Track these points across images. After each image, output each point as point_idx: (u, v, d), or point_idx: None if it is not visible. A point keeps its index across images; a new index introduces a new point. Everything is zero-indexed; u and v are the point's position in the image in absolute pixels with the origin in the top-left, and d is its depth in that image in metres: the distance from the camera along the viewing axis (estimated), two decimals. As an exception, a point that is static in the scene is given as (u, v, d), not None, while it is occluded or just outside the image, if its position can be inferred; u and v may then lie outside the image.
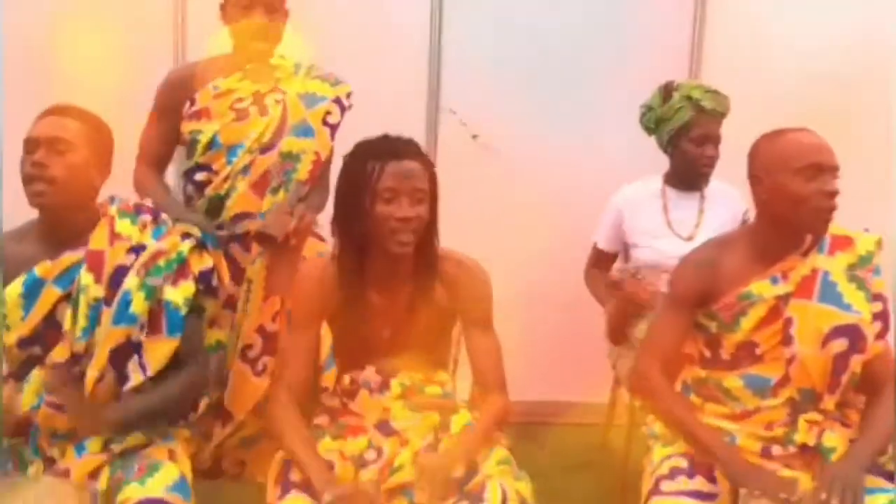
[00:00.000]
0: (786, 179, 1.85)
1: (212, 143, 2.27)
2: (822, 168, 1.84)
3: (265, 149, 2.28)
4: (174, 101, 2.33)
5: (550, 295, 3.34)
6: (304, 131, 2.30)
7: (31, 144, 1.80)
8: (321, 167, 2.34)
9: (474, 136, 3.32)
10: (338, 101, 2.37)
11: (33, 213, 1.88)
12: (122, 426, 1.79)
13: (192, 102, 2.30)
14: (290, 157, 2.29)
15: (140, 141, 2.39)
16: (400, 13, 3.30)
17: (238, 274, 2.31)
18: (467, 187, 3.32)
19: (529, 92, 3.30)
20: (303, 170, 2.30)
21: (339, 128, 2.36)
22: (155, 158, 2.38)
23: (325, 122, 2.33)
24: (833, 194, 1.84)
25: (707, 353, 2.01)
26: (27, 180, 1.79)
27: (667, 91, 2.74)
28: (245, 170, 2.28)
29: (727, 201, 2.73)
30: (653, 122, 2.75)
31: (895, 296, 1.96)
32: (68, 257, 1.84)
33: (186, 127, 2.31)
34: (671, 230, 2.75)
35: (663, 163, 2.81)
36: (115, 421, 1.78)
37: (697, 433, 1.88)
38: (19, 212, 1.89)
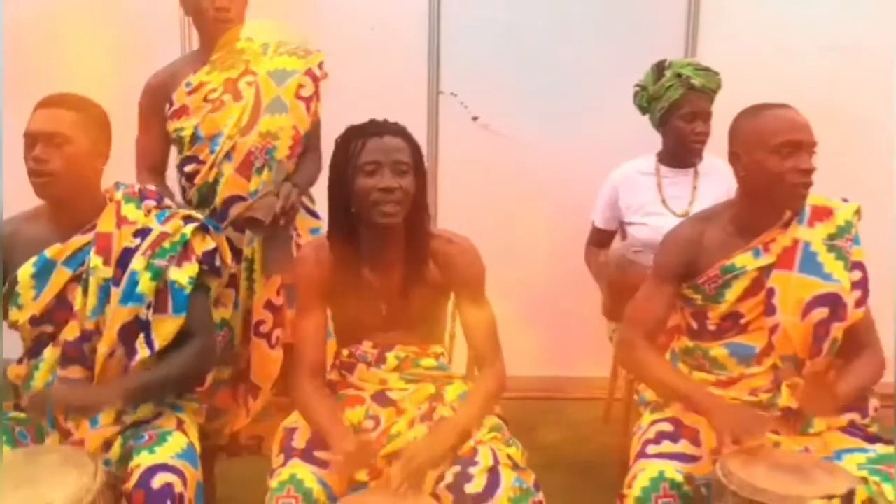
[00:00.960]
0: (762, 157, 1.90)
1: (195, 137, 2.36)
2: (799, 145, 1.88)
3: (244, 131, 2.34)
4: (155, 105, 2.42)
5: (551, 273, 3.39)
6: (279, 108, 2.35)
7: (29, 139, 1.86)
8: (301, 142, 2.39)
9: (475, 118, 3.37)
10: (309, 72, 2.40)
11: (32, 201, 1.96)
12: (134, 396, 1.87)
13: (171, 103, 2.39)
14: (270, 136, 2.34)
15: (136, 149, 2.47)
16: (399, -1, 3.35)
17: (235, 255, 2.37)
18: (468, 168, 3.39)
19: (528, 74, 3.34)
20: (283, 146, 2.35)
21: (315, 99, 2.40)
22: (151, 162, 2.46)
23: (298, 96, 2.37)
24: (809, 171, 1.89)
25: (694, 325, 2.08)
26: (30, 174, 1.87)
27: (659, 70, 2.77)
28: (228, 155, 2.34)
29: (721, 176, 2.74)
30: (645, 100, 2.79)
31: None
32: (78, 240, 1.93)
33: (170, 126, 2.39)
34: (666, 207, 2.79)
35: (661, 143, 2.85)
36: (128, 390, 1.86)
37: (678, 386, 1.96)
38: (19, 200, 1.97)
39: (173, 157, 2.51)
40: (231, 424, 2.47)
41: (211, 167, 2.36)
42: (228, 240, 2.34)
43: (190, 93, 2.37)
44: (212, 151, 2.35)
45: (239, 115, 2.35)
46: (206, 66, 2.39)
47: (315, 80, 2.41)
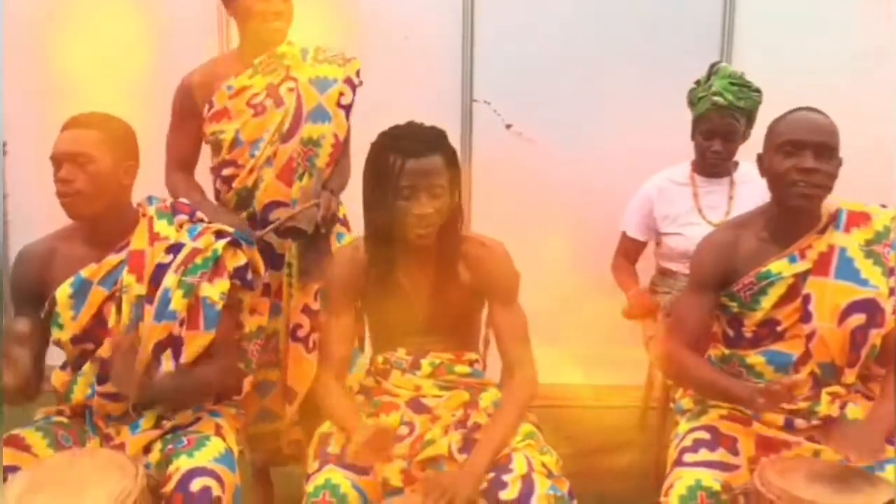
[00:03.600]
0: (770, 156, 1.93)
1: (235, 141, 2.36)
2: (801, 145, 1.88)
3: (286, 138, 2.35)
4: (192, 105, 2.41)
5: (586, 279, 3.37)
6: (321, 116, 2.37)
7: (54, 161, 1.91)
8: (340, 149, 2.41)
9: (508, 126, 3.39)
10: (348, 80, 2.42)
11: (39, 222, 2.03)
12: (158, 395, 1.91)
13: (211, 105, 2.38)
14: (311, 143, 2.35)
15: (166, 146, 2.48)
16: (433, 5, 3.36)
17: (277, 260, 2.40)
18: (502, 175, 3.40)
19: (562, 80, 3.35)
20: (324, 154, 2.37)
21: (353, 106, 2.42)
22: (183, 161, 2.47)
23: (339, 104, 2.39)
24: (808, 170, 1.87)
25: (730, 332, 2.06)
26: (58, 196, 1.91)
27: (708, 74, 2.74)
28: (269, 161, 2.35)
29: (757, 185, 2.67)
30: (689, 101, 2.78)
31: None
32: (112, 259, 1.96)
33: (209, 128, 2.39)
34: (701, 217, 2.77)
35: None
36: (154, 389, 1.90)
37: (718, 381, 1.94)
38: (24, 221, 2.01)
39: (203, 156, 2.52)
40: (286, 430, 2.50)
41: (250, 172, 2.36)
42: (270, 245, 2.37)
43: (231, 96, 2.37)
44: (252, 156, 2.36)
45: (280, 120, 2.35)
46: (248, 70, 2.39)
47: (353, 88, 2.43)
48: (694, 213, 2.79)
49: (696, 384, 2.04)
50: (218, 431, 1.94)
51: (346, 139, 2.45)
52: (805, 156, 1.88)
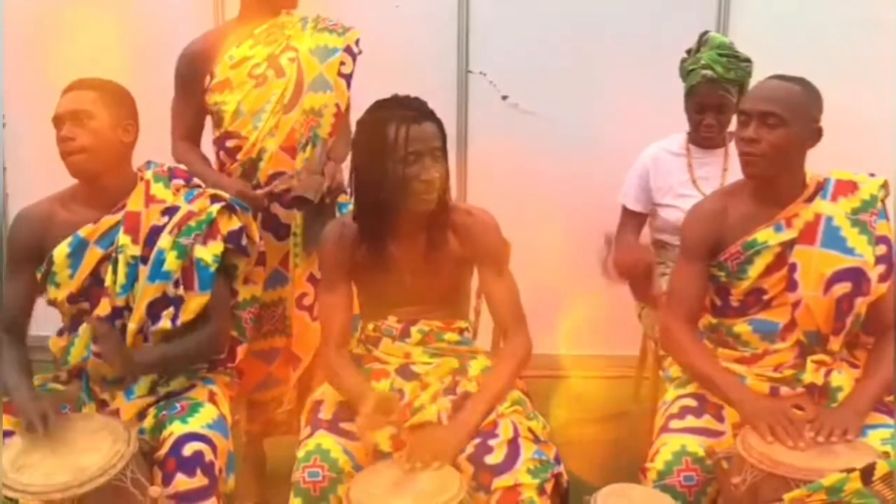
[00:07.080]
0: None
1: (237, 112, 2.37)
2: (747, 114, 1.92)
3: (287, 109, 2.36)
4: (194, 75, 2.41)
5: (581, 250, 3.37)
6: (323, 86, 2.37)
7: (56, 122, 1.95)
8: (342, 119, 2.41)
9: (504, 97, 3.38)
10: (349, 49, 2.42)
11: (38, 195, 2.05)
12: (145, 367, 1.96)
13: (213, 75, 2.38)
14: (314, 113, 2.36)
15: (171, 116, 2.49)
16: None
17: (283, 231, 2.43)
18: (497, 147, 3.38)
19: (558, 51, 3.33)
20: (326, 124, 2.37)
21: (353, 76, 2.42)
22: (188, 131, 2.48)
23: (340, 74, 2.39)
24: (744, 140, 1.91)
25: (717, 301, 2.08)
26: (62, 155, 1.95)
27: (697, 45, 2.72)
28: (272, 132, 2.36)
29: None
30: (680, 73, 2.77)
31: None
32: (108, 220, 2.00)
33: (210, 99, 2.40)
34: (696, 188, 2.75)
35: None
36: (139, 362, 1.94)
37: (720, 384, 1.92)
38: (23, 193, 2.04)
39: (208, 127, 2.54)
40: (290, 396, 2.52)
41: (254, 143, 2.37)
42: (276, 215, 2.39)
43: (233, 66, 2.37)
44: (255, 127, 2.36)
45: (282, 91, 2.36)
46: (249, 40, 2.40)
47: (353, 57, 2.43)
48: (688, 185, 2.77)
49: (689, 370, 2.03)
50: (211, 398, 1.98)
51: (347, 109, 2.45)
52: (748, 126, 1.91)
